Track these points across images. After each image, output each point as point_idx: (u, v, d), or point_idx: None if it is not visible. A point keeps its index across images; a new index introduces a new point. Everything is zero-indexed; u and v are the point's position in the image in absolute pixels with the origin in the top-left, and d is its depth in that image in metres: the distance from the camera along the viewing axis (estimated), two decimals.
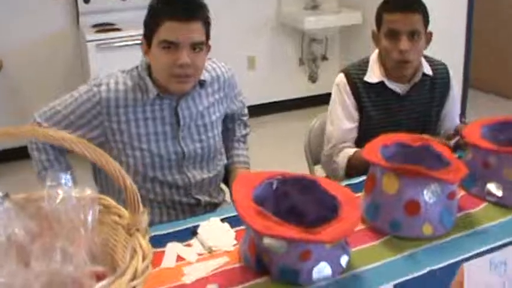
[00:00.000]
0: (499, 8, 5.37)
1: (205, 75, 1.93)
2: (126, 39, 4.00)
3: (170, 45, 1.77)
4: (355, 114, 2.18)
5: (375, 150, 1.59)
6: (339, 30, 5.05)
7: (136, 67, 1.91)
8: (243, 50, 4.82)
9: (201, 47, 1.81)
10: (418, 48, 2.08)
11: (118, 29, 4.13)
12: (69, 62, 4.40)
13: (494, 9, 5.34)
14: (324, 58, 5.21)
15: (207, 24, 1.84)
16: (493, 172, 1.72)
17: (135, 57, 4.05)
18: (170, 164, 1.91)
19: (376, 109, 2.18)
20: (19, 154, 4.02)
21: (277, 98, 4.98)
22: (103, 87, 1.84)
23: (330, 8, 4.98)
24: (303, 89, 5.20)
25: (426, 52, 2.17)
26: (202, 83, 1.93)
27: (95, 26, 4.20)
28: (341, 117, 2.18)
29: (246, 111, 2.22)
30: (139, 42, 4.24)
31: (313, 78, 5.23)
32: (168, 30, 1.77)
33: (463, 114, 4.65)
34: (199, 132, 1.96)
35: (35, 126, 1.04)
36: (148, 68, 1.88)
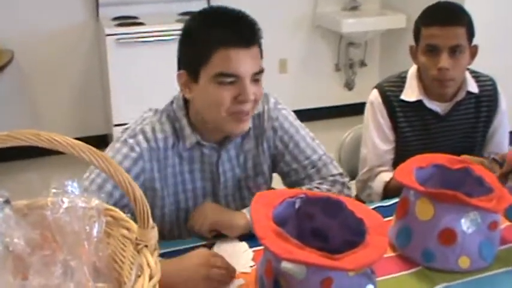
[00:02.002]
0: None
1: None
2: (149, 34, 4.04)
3: (229, 79, 1.59)
4: (391, 135, 2.17)
5: (408, 172, 1.59)
6: (380, 34, 5.04)
7: (171, 103, 1.75)
8: (274, 52, 4.82)
9: (260, 75, 1.64)
10: (461, 65, 2.03)
11: (140, 23, 4.18)
12: (86, 57, 4.46)
13: None
14: (363, 64, 5.20)
15: (261, 44, 1.67)
16: None
17: (158, 55, 4.10)
18: None
19: (413, 130, 2.16)
20: (22, 154, 4.12)
21: (309, 105, 4.98)
22: (140, 137, 1.68)
23: (371, 10, 4.98)
24: (338, 96, 5.20)
25: (476, 63, 2.12)
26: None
27: (115, 19, 4.26)
28: (375, 139, 2.17)
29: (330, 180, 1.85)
30: (163, 38, 4.25)
31: (349, 86, 5.22)
32: (224, 60, 1.57)
33: None
34: (242, 196, 1.84)
35: (39, 131, 1.05)
36: (185, 105, 1.72)
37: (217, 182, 1.79)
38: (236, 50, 1.57)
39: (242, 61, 1.58)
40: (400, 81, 2.19)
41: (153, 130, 1.70)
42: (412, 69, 2.18)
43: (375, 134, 2.17)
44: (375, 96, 2.19)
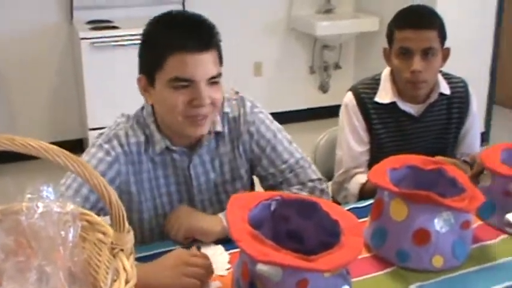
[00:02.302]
0: None
1: (220, 123, 1.78)
2: (123, 38, 4.02)
3: (183, 83, 1.60)
4: (366, 137, 2.18)
5: (382, 173, 1.60)
6: (354, 37, 5.07)
7: (142, 108, 1.77)
8: (249, 55, 4.85)
9: (218, 79, 1.65)
10: (433, 67, 2.06)
11: (115, 27, 4.16)
12: (61, 62, 4.42)
13: None
14: (337, 67, 5.23)
15: (219, 47, 1.67)
16: None
17: (133, 59, 4.07)
18: None
19: (387, 131, 2.18)
20: None
21: (284, 107, 4.98)
22: (115, 142, 1.69)
23: (345, 13, 5.01)
24: (312, 99, 5.22)
25: (448, 65, 2.15)
26: (217, 133, 1.78)
27: (89, 22, 4.24)
28: (350, 141, 2.18)
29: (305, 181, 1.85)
30: (138, 42, 4.26)
31: (324, 88, 5.25)
32: (179, 64, 1.58)
33: (486, 133, 4.66)
34: (220, 200, 1.83)
35: (14, 136, 1.04)
36: (154, 111, 1.73)
37: (191, 187, 1.79)
38: (191, 55, 1.58)
39: (197, 66, 1.59)
40: (374, 83, 2.20)
41: (127, 135, 1.72)
42: (386, 72, 2.20)
43: (350, 136, 2.18)
44: (349, 98, 2.20)
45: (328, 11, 4.98)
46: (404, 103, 2.16)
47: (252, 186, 1.95)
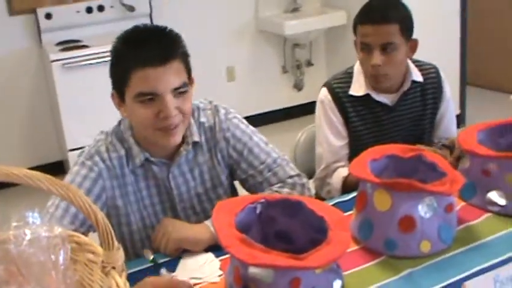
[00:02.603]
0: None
1: (197, 133, 1.79)
2: (94, 56, 4.00)
3: (148, 97, 1.62)
4: (343, 131, 2.20)
5: (363, 165, 1.62)
6: (324, 32, 5.09)
7: (119, 123, 1.79)
8: (220, 60, 4.85)
9: (185, 88, 1.67)
10: (394, 61, 2.07)
11: (85, 46, 4.13)
12: (34, 85, 4.38)
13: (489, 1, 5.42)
14: (309, 64, 5.25)
15: (185, 57, 1.69)
16: (494, 180, 1.74)
17: (105, 76, 4.06)
18: None
19: (364, 123, 2.20)
20: None
21: (261, 109, 5.01)
22: (97, 158, 1.72)
23: (312, 10, 5.02)
24: (288, 98, 5.23)
25: (418, 52, 2.16)
26: (195, 143, 1.80)
27: (59, 43, 4.21)
28: (329, 136, 2.19)
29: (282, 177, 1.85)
30: (109, 59, 4.22)
31: (298, 86, 5.26)
32: (142, 79, 1.61)
33: (462, 115, 4.71)
34: (204, 209, 1.85)
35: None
36: (131, 125, 1.75)
37: (172, 197, 1.81)
38: (152, 69, 1.60)
39: (159, 79, 1.61)
40: (347, 77, 2.22)
41: (107, 150, 1.74)
42: (357, 64, 2.21)
43: (328, 132, 2.20)
44: (324, 94, 2.22)
45: (295, 10, 4.99)
46: (378, 94, 2.17)
47: (234, 192, 1.96)
